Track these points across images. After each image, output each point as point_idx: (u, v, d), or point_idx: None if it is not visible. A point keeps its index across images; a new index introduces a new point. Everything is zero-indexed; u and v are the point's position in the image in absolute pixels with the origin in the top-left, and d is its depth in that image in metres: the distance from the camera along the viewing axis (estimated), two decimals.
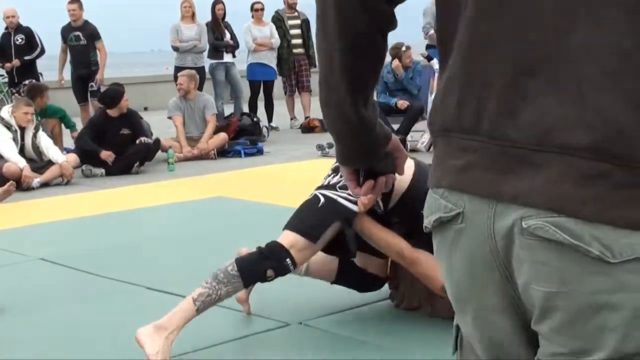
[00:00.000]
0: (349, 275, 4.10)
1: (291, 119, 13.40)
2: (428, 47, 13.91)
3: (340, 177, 3.75)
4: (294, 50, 13.01)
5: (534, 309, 1.39)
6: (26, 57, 12.00)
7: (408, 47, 10.86)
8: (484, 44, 1.39)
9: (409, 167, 3.83)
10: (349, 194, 3.71)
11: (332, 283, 4.16)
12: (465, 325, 1.55)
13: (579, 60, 1.30)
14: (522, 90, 1.35)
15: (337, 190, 3.76)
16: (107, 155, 9.23)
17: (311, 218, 3.74)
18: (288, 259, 3.64)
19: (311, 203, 3.79)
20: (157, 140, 9.91)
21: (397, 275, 4.07)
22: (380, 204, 3.81)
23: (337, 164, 3.71)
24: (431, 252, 3.79)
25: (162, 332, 3.51)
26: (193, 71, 11.14)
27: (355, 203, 3.72)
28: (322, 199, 3.75)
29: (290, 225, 3.75)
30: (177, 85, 10.70)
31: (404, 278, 4.02)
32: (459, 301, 1.53)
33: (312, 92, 13.43)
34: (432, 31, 14.76)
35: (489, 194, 1.38)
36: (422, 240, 3.82)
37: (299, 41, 13.11)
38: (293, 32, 13.02)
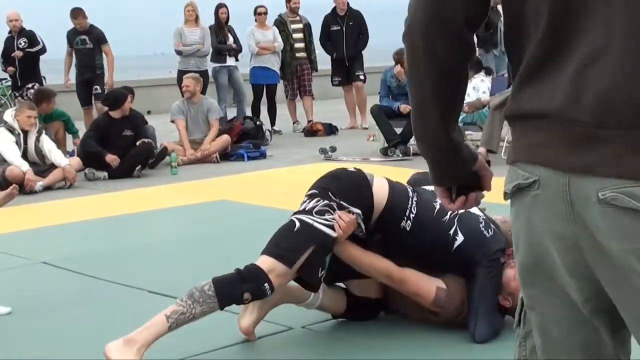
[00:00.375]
0: (357, 310, 4.04)
1: (294, 123, 13.40)
2: None
3: (317, 201, 3.71)
4: (297, 55, 13.02)
5: (608, 270, 1.59)
6: (27, 49, 12.00)
7: None
8: (557, 41, 1.60)
9: (383, 186, 3.81)
10: (325, 219, 3.65)
11: (337, 317, 4.07)
12: (533, 292, 1.73)
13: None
14: (587, 76, 1.55)
15: (313, 215, 3.69)
16: (112, 159, 9.23)
17: (285, 242, 3.66)
18: (266, 284, 3.57)
19: (287, 228, 3.71)
20: (165, 149, 9.89)
21: (389, 298, 4.03)
22: (362, 226, 3.77)
23: (312, 190, 3.71)
24: (415, 268, 3.75)
25: (132, 345, 3.47)
26: (197, 74, 11.15)
27: (332, 228, 3.64)
28: (298, 224, 3.66)
29: (267, 250, 3.67)
30: (182, 87, 10.67)
31: (397, 299, 3.98)
32: (533, 265, 1.70)
33: (314, 96, 13.47)
34: None
35: (563, 168, 1.59)
36: (405, 256, 3.81)
37: (302, 45, 13.12)
38: (296, 36, 13.02)
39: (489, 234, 3.83)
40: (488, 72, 10.51)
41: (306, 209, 3.72)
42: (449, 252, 3.79)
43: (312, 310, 4.15)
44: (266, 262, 3.61)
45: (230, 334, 3.95)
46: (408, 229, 3.77)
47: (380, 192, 3.79)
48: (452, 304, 3.79)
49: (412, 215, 3.78)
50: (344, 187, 3.77)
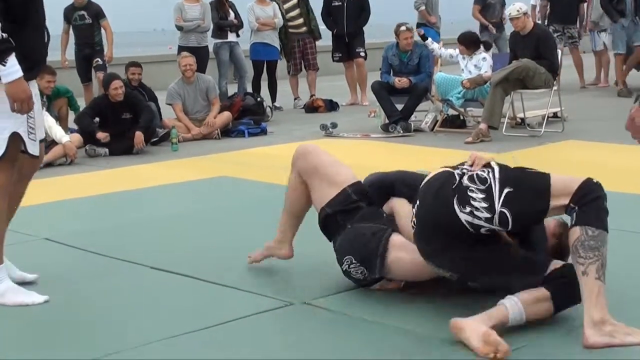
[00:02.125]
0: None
1: (295, 99, 13.39)
2: (419, 25, 13.88)
3: None
4: (296, 30, 12.98)
5: None
6: None
7: (408, 29, 10.72)
8: None
9: None
10: None
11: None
12: None
13: None
14: None
15: None
16: (103, 136, 9.24)
17: None
18: None
19: None
20: (167, 133, 9.85)
21: None
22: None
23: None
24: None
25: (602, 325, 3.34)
26: (188, 52, 11.03)
27: None
28: None
29: None
30: (183, 67, 10.56)
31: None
32: None
33: (319, 70, 13.44)
34: (422, 7, 14.78)
35: None
36: None
37: (300, 21, 13.07)
38: (290, 14, 12.97)
39: None
40: (487, 46, 10.46)
41: None
42: None
43: (313, 286, 4.18)
44: None
45: (231, 310, 3.97)
46: None
47: None
48: None
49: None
50: None
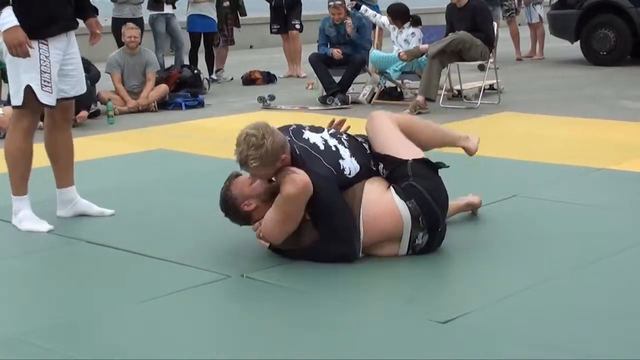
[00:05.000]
0: None
1: (217, 71, 13.18)
2: None
3: None
4: (223, 4, 12.87)
5: None
6: None
7: (336, 7, 10.55)
8: None
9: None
10: None
11: None
12: None
13: None
14: None
15: None
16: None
17: None
18: None
19: None
20: (97, 111, 9.69)
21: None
22: None
23: None
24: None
25: None
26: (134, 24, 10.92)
27: None
28: None
29: None
30: (127, 38, 10.39)
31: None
32: None
33: (252, 45, 13.33)
34: None
35: None
36: None
37: None
38: None
39: None
40: (417, 22, 10.42)
41: None
42: None
43: (250, 259, 4.19)
44: None
45: (168, 283, 3.96)
46: None
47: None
48: None
49: None
50: None
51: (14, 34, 4.61)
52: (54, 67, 4.81)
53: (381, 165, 4.30)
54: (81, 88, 5.08)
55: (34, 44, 4.70)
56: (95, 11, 5.23)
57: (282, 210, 4.04)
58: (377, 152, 4.35)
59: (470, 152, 4.79)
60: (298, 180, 3.97)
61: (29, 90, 4.75)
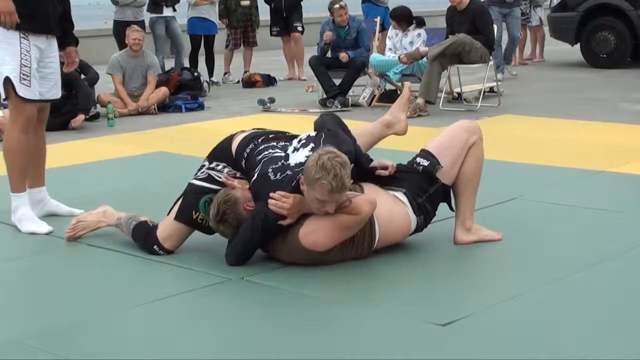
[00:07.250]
0: None
1: (225, 74, 13.22)
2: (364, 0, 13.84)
3: None
4: (242, 3, 12.83)
5: None
6: None
7: (342, 7, 10.61)
8: None
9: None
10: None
11: None
12: None
13: None
14: None
15: None
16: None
17: None
18: None
19: None
20: (97, 114, 9.67)
21: None
22: None
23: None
24: None
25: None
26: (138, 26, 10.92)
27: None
28: None
29: None
30: (131, 40, 10.37)
31: None
32: None
33: (257, 46, 13.34)
34: None
35: None
36: None
37: None
38: None
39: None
40: (421, 23, 10.43)
41: None
42: None
43: (251, 262, 4.18)
44: None
45: (169, 286, 3.96)
46: None
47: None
48: None
49: None
50: None
51: (6, 2, 4.72)
52: (34, 62, 4.85)
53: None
54: (57, 92, 5.13)
55: (16, 35, 4.78)
56: (75, 42, 5.37)
57: (351, 228, 4.06)
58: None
59: (400, 134, 4.77)
60: (374, 201, 4.06)
61: (7, 82, 4.80)
